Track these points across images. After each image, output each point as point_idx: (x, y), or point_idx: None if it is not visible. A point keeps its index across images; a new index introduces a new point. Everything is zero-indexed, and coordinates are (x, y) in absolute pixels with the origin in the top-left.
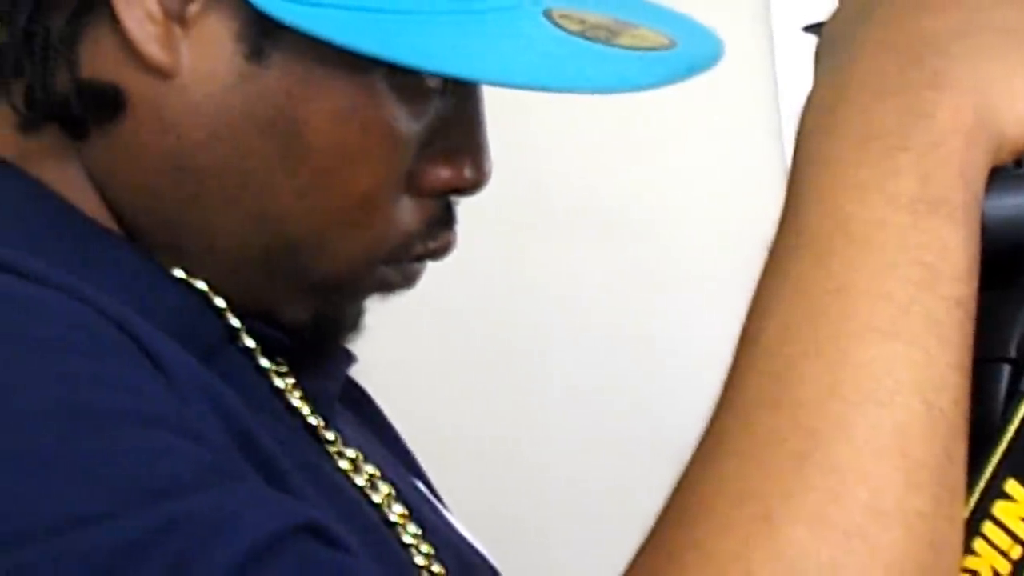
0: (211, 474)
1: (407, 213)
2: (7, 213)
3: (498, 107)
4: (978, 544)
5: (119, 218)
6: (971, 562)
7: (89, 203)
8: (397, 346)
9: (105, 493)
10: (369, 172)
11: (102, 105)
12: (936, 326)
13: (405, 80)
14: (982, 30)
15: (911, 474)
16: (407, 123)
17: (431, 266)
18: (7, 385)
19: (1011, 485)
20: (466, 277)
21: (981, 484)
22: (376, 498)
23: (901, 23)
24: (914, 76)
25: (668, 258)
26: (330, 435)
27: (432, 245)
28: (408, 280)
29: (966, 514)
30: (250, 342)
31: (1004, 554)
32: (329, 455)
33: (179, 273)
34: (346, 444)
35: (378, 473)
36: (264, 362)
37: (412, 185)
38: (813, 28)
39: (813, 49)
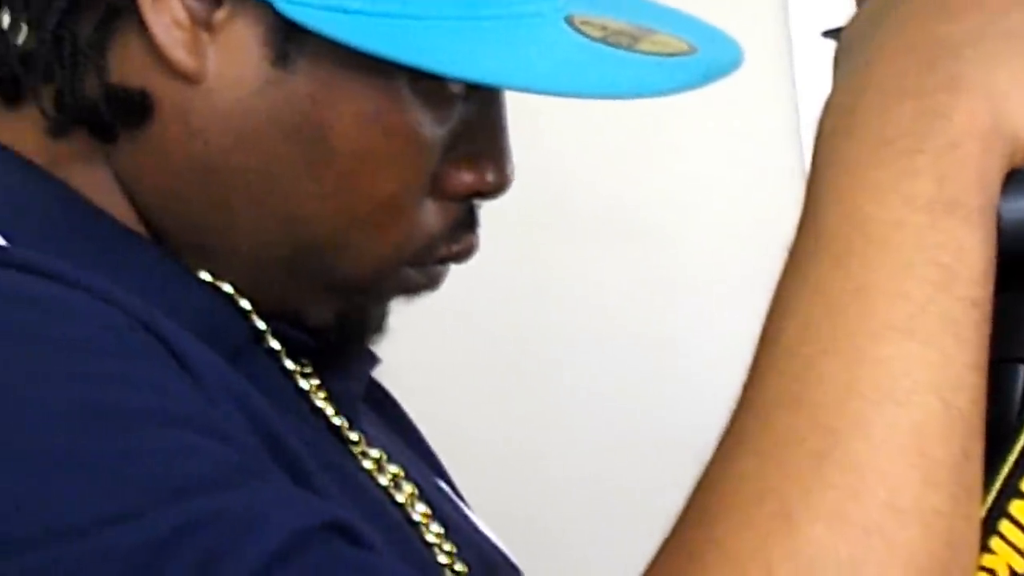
0: (238, 473)
1: (431, 216)
2: (36, 216)
3: (519, 112)
4: (995, 542)
5: (146, 221)
6: (988, 560)
7: (117, 206)
8: (420, 348)
9: (133, 492)
10: (393, 176)
11: (130, 110)
12: (953, 325)
13: (429, 85)
14: (998, 35)
15: (929, 472)
16: (431, 128)
17: (454, 269)
18: (35, 385)
19: None
20: (487, 280)
21: (998, 483)
22: (400, 498)
23: (918, 28)
24: (931, 80)
25: (687, 261)
26: (354, 436)
27: (455, 248)
28: (432, 282)
29: (983, 512)
30: (275, 344)
31: (1021, 552)
32: (353, 455)
33: (205, 275)
34: (370, 444)
35: (401, 473)
36: (289, 363)
37: (436, 189)
38: (832, 33)
39: (831, 54)
